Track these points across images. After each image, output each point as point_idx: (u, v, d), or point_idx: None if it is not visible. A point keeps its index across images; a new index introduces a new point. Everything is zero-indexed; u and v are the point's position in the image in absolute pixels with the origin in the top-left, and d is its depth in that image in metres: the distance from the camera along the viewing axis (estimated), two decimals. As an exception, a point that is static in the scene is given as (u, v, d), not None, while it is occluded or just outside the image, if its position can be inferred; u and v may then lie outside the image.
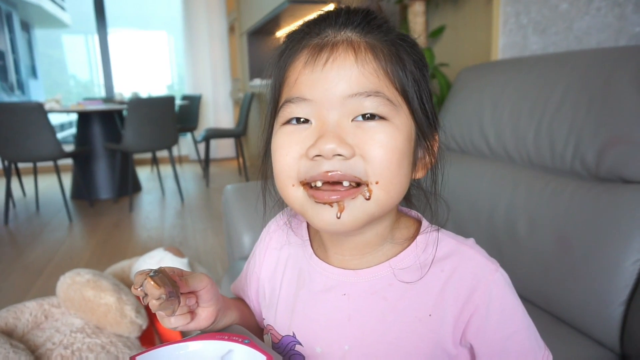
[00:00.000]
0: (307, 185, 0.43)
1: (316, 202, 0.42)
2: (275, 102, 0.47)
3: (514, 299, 0.46)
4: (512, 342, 0.46)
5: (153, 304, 0.42)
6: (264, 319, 0.57)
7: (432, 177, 0.50)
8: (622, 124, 0.85)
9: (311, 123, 0.43)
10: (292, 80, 0.44)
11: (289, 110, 0.44)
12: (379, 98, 0.42)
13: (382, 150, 0.41)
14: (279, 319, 0.53)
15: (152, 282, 0.41)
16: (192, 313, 0.48)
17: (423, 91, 0.45)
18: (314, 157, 0.41)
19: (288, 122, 0.44)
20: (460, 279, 0.46)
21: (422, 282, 0.46)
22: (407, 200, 0.51)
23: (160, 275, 0.42)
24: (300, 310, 0.51)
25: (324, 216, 0.42)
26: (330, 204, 0.42)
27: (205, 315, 0.49)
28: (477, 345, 0.46)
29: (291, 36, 0.46)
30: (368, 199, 0.42)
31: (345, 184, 0.42)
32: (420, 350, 0.46)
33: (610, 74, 0.90)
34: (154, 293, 0.41)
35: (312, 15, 0.47)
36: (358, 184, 0.42)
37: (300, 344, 0.50)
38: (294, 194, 0.44)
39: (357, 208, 0.42)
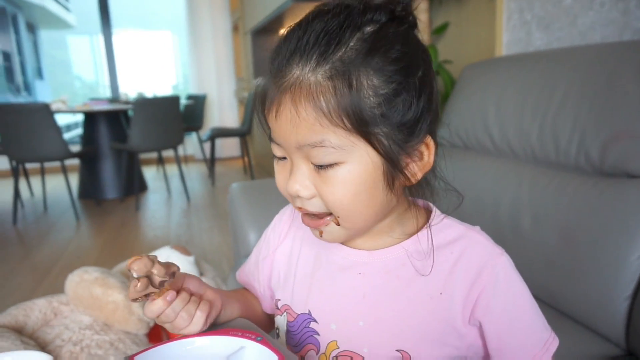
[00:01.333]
0: None
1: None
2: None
3: (520, 281, 0.49)
4: (519, 321, 0.48)
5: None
6: (278, 299, 0.59)
7: (433, 175, 0.49)
8: (626, 118, 0.85)
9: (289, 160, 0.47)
10: (269, 120, 0.46)
11: (273, 148, 0.48)
12: (324, 148, 0.42)
13: (334, 195, 0.45)
14: (296, 298, 0.56)
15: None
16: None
17: (402, 101, 0.42)
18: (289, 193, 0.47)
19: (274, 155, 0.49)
20: (468, 261, 0.48)
21: (433, 263, 0.49)
22: (427, 184, 0.50)
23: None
24: (316, 289, 0.54)
25: (312, 232, 0.51)
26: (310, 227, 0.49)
27: (198, 314, 0.51)
28: (485, 324, 0.48)
29: (269, 61, 0.45)
30: (338, 225, 0.47)
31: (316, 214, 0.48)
32: (432, 326, 0.48)
33: (614, 69, 0.90)
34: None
35: (281, 33, 0.46)
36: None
37: (315, 321, 0.53)
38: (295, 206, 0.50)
39: (332, 232, 0.48)
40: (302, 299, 0.55)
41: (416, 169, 0.46)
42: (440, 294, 0.48)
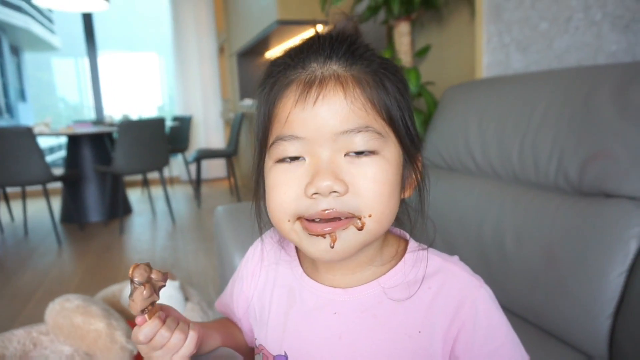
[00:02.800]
0: (303, 219, 0.45)
1: (310, 234, 0.44)
2: (264, 136, 0.47)
3: (499, 313, 0.48)
4: (498, 355, 0.47)
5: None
6: (255, 338, 0.57)
7: (419, 197, 0.51)
8: (601, 139, 0.87)
9: (304, 160, 0.44)
10: (283, 118, 0.44)
11: (282, 148, 0.44)
12: (369, 133, 0.43)
13: (374, 185, 0.43)
14: (270, 339, 0.53)
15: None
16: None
17: (407, 115, 0.47)
18: (312, 195, 0.42)
19: (282, 159, 0.45)
20: (447, 296, 0.47)
21: (411, 299, 0.48)
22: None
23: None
24: (291, 329, 0.51)
25: (319, 246, 0.44)
26: (324, 235, 0.44)
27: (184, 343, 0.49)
28: None
29: (276, 67, 0.47)
30: (360, 229, 0.44)
31: (339, 218, 0.44)
32: None
33: (589, 92, 0.93)
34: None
35: (295, 41, 0.48)
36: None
37: None
38: (290, 228, 0.46)
39: (349, 238, 0.44)
40: (277, 339, 0.52)
41: (411, 181, 0.49)
42: (419, 332, 0.47)
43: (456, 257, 0.51)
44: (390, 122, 0.45)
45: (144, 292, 0.44)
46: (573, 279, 0.85)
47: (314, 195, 0.43)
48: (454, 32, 1.77)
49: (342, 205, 0.43)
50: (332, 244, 0.44)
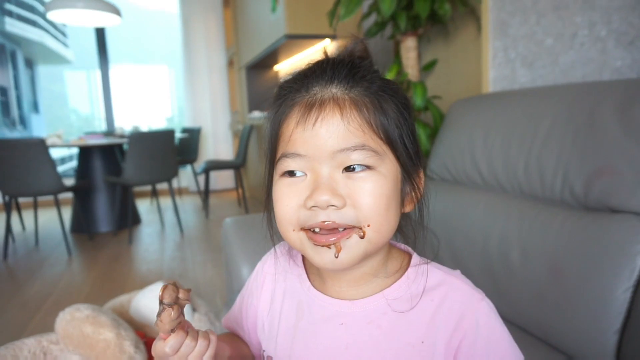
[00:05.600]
0: (307, 229, 0.47)
1: (315, 244, 0.47)
2: (272, 153, 0.51)
3: (501, 326, 0.49)
4: None
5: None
6: (264, 350, 0.59)
7: (420, 212, 0.53)
8: (606, 155, 0.88)
9: (306, 175, 0.47)
10: (287, 137, 0.48)
11: (286, 164, 0.48)
12: (365, 151, 0.46)
13: (370, 198, 0.46)
14: (280, 350, 0.55)
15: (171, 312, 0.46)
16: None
17: (406, 134, 0.49)
18: (311, 207, 0.46)
19: (285, 173, 0.48)
20: (449, 308, 0.49)
21: (414, 311, 0.49)
22: (398, 230, 0.54)
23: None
24: (300, 340, 0.53)
25: (324, 257, 0.47)
26: (328, 245, 0.46)
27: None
28: None
29: (283, 90, 0.50)
30: (362, 237, 0.46)
31: (340, 229, 0.46)
32: None
33: (594, 107, 0.94)
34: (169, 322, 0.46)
35: (302, 66, 0.51)
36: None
37: None
38: (295, 237, 0.49)
39: (353, 247, 0.46)
40: (286, 350, 0.54)
41: (411, 197, 0.51)
42: (422, 342, 0.48)
43: (458, 271, 0.53)
44: (388, 141, 0.47)
45: (172, 313, 0.45)
46: (579, 294, 0.85)
47: (313, 208, 0.46)
48: (460, 47, 1.79)
49: (341, 218, 0.45)
50: (336, 254, 0.46)
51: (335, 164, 0.46)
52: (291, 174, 0.48)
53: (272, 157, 0.51)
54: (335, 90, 0.47)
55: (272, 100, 0.51)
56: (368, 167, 0.46)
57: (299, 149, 0.47)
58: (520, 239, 1.01)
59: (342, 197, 0.45)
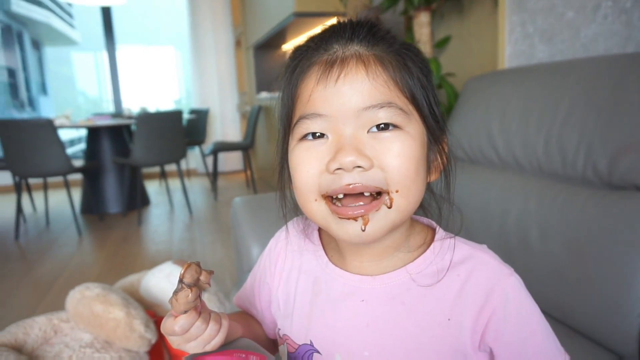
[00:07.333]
0: (329, 198, 0.44)
1: (340, 217, 0.44)
2: (288, 119, 0.48)
3: (530, 302, 0.47)
4: (531, 344, 0.46)
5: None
6: (279, 328, 0.57)
7: (445, 180, 0.50)
8: (632, 130, 0.84)
9: (327, 137, 0.44)
10: (305, 97, 0.45)
11: (305, 127, 0.45)
12: (392, 108, 0.43)
13: (399, 160, 0.42)
14: (295, 328, 0.53)
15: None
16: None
17: (431, 96, 0.46)
18: (334, 170, 0.42)
19: (304, 137, 0.45)
20: (476, 283, 0.46)
21: (439, 286, 0.47)
22: (420, 205, 0.51)
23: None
24: (317, 318, 0.51)
25: (349, 230, 0.44)
26: (355, 218, 0.43)
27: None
28: (496, 349, 0.46)
29: (299, 52, 0.47)
30: (390, 208, 0.43)
31: (366, 194, 0.43)
32: (441, 354, 0.46)
33: (618, 81, 0.89)
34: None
35: (317, 29, 0.48)
36: (379, 194, 0.43)
37: (318, 352, 0.50)
38: (317, 209, 0.45)
39: (380, 219, 0.43)
40: (302, 328, 0.52)
41: (437, 164, 0.48)
42: (449, 320, 0.46)
43: (485, 246, 0.50)
44: (414, 100, 0.45)
45: (190, 295, 0.43)
46: (601, 276, 0.83)
47: (337, 171, 0.42)
48: (475, 23, 1.73)
49: (368, 180, 0.42)
50: (363, 227, 0.43)
51: (360, 123, 0.43)
52: (314, 136, 0.44)
53: (287, 123, 0.48)
54: (357, 47, 0.44)
55: (286, 63, 0.48)
56: (395, 127, 0.43)
57: (319, 109, 0.43)
58: (539, 219, 0.98)
59: (369, 157, 0.42)
